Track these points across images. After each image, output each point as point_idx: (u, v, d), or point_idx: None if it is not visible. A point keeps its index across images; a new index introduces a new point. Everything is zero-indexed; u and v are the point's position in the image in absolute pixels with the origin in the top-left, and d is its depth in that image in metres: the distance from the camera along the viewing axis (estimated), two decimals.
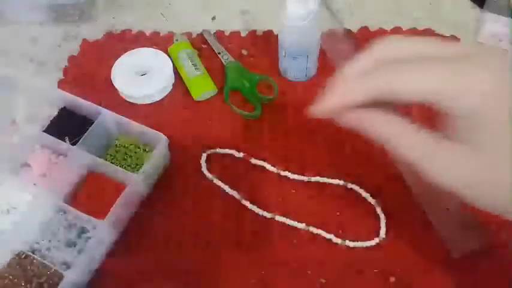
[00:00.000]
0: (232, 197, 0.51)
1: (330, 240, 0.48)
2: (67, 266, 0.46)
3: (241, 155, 0.54)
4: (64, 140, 0.52)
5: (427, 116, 0.29)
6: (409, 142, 0.27)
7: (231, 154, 0.54)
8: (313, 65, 0.58)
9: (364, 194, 0.51)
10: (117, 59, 0.60)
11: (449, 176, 0.26)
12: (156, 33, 0.66)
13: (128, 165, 0.52)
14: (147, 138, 0.52)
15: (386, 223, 0.49)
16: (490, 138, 0.24)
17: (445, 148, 0.26)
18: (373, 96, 0.25)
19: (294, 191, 0.52)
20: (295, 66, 0.57)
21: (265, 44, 0.64)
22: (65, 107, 0.56)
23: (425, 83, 0.24)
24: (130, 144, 0.54)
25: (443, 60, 0.24)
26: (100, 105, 0.53)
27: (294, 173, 0.52)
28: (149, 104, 0.59)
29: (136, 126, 0.51)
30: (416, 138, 0.27)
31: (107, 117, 0.52)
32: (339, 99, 0.27)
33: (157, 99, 0.59)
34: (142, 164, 0.50)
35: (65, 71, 0.62)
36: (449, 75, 0.24)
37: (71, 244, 0.47)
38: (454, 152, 0.26)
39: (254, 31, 0.65)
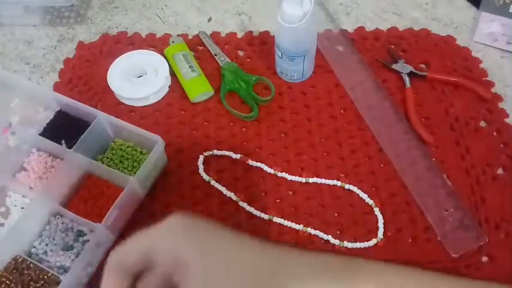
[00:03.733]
0: (230, 198, 0.51)
1: (328, 241, 0.48)
2: (64, 269, 0.46)
3: (238, 156, 0.53)
4: (60, 143, 0.51)
5: None
6: None
7: (229, 156, 0.54)
8: (309, 65, 0.58)
9: (362, 194, 0.51)
10: (113, 61, 0.60)
11: None
12: (152, 35, 0.66)
13: (125, 168, 0.52)
14: (143, 140, 0.51)
15: (384, 224, 0.49)
16: None
17: None
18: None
19: (291, 192, 0.52)
20: (292, 67, 0.57)
21: (261, 45, 0.64)
22: (61, 110, 0.55)
23: None
24: (127, 147, 0.53)
25: None
26: (96, 107, 0.52)
27: (291, 174, 0.52)
28: (146, 106, 0.58)
29: (132, 128, 0.51)
30: None
31: (103, 120, 0.52)
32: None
33: (154, 101, 0.59)
34: (139, 167, 0.50)
35: (61, 73, 0.62)
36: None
37: (68, 248, 0.47)
38: None
39: (250, 32, 0.65)
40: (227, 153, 0.54)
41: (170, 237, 0.28)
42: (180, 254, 0.28)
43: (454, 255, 0.47)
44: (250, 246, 0.29)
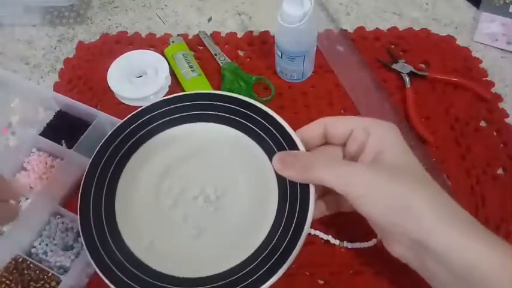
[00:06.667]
0: None
1: (327, 241, 0.48)
2: (64, 270, 0.46)
3: None
4: (60, 143, 0.51)
5: None
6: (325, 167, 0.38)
7: None
8: (309, 65, 0.58)
9: None
10: (113, 61, 0.60)
11: (349, 188, 0.36)
12: (152, 35, 0.66)
13: None
14: None
15: None
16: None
17: (347, 165, 0.37)
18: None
19: None
20: (292, 67, 0.57)
21: (261, 45, 0.64)
22: (61, 110, 0.55)
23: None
24: None
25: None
26: (96, 107, 0.52)
27: None
28: None
29: None
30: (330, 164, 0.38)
31: (103, 120, 0.52)
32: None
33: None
34: None
35: (61, 73, 0.62)
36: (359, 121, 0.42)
37: (68, 248, 0.47)
38: (350, 166, 0.37)
39: (250, 32, 0.65)
40: None
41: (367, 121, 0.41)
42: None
43: None
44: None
